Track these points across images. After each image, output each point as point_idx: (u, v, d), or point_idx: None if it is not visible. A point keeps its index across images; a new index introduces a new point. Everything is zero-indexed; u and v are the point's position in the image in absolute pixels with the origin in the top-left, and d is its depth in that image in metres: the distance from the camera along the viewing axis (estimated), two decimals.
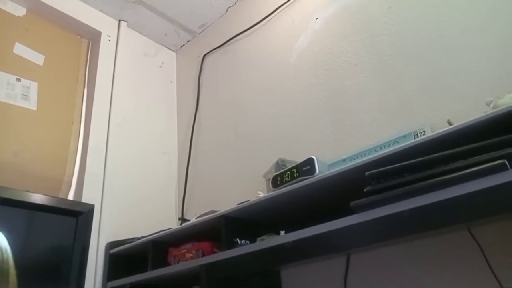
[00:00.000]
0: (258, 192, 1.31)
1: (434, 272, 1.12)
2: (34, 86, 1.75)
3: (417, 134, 1.21)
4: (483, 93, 1.12)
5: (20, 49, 1.76)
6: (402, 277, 1.17)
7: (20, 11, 1.84)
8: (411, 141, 0.92)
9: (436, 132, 0.90)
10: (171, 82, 2.37)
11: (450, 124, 1.05)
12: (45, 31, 1.91)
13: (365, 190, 0.91)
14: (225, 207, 1.28)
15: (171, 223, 1.88)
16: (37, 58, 1.81)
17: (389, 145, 1.23)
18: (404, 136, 1.23)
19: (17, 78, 1.71)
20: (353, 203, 0.92)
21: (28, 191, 1.40)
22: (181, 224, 1.71)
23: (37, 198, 1.36)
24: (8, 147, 1.59)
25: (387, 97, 1.38)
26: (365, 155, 1.28)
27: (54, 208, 1.37)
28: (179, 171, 2.11)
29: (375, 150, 1.26)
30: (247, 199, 1.25)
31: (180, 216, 1.94)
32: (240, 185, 1.74)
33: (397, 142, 1.23)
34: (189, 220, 1.52)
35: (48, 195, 1.43)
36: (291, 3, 1.86)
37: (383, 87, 1.41)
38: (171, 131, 2.22)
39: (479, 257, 1.03)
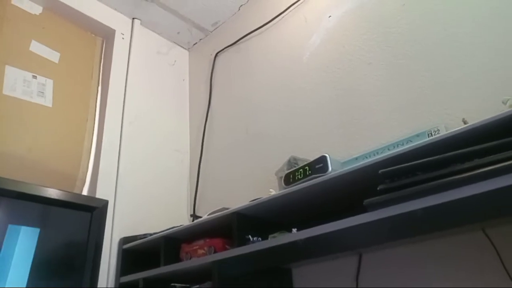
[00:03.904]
0: (270, 190, 1.32)
1: (447, 272, 1.11)
2: (49, 83, 1.78)
3: (431, 133, 1.20)
4: (499, 91, 1.10)
5: (36, 47, 1.79)
6: (415, 277, 1.16)
7: (36, 9, 1.87)
8: (426, 139, 0.92)
9: (451, 130, 0.89)
10: (184, 80, 2.38)
11: (465, 123, 1.04)
12: (60, 29, 1.94)
13: (378, 189, 0.91)
14: (236, 205, 1.28)
15: (183, 220, 1.90)
16: (53, 56, 1.84)
17: (402, 144, 1.22)
18: (417, 135, 1.22)
19: (33, 75, 1.74)
20: (366, 201, 0.91)
21: (43, 186, 1.42)
22: (192, 221, 1.72)
23: (52, 192, 1.38)
24: (24, 143, 1.62)
25: (400, 95, 1.37)
26: (377, 153, 1.27)
27: (69, 203, 1.39)
28: (191, 168, 2.12)
29: (388, 149, 1.26)
30: (258, 197, 1.25)
31: (191, 213, 1.95)
32: (251, 183, 1.75)
33: (411, 141, 1.21)
34: (200, 217, 1.53)
35: (63, 190, 1.46)
36: (304, 1, 1.85)
37: (396, 85, 1.40)
38: (183, 128, 2.23)
39: (493, 258, 1.01)
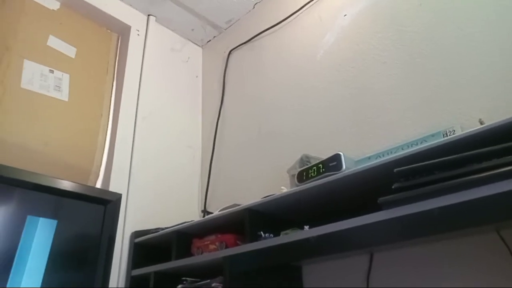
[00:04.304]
0: (282, 187, 1.32)
1: (460, 273, 1.10)
2: (66, 77, 1.81)
3: (446, 133, 1.19)
4: None
5: (53, 42, 1.82)
6: (427, 277, 1.15)
7: (54, 5, 1.90)
8: (442, 139, 0.91)
9: (467, 130, 0.89)
10: (197, 77, 2.40)
11: (481, 123, 1.03)
12: (77, 24, 1.96)
13: (393, 187, 0.90)
14: (246, 202, 1.29)
15: (194, 216, 1.91)
16: (70, 51, 1.87)
17: (417, 144, 1.21)
18: (432, 135, 1.21)
19: (50, 70, 1.77)
20: (381, 199, 0.91)
21: (58, 178, 1.44)
22: (203, 217, 1.73)
23: (67, 185, 1.40)
24: (39, 137, 1.64)
25: (415, 94, 1.37)
26: (391, 153, 1.26)
27: (84, 195, 1.41)
28: (202, 165, 2.13)
29: (402, 149, 1.25)
30: (270, 194, 1.26)
31: (202, 208, 1.96)
32: (262, 180, 1.75)
33: (425, 141, 1.21)
34: (211, 213, 1.54)
35: (78, 183, 1.48)
36: (319, 0, 1.85)
37: (411, 84, 1.39)
38: (196, 125, 2.25)
39: (507, 260, 1.00)
